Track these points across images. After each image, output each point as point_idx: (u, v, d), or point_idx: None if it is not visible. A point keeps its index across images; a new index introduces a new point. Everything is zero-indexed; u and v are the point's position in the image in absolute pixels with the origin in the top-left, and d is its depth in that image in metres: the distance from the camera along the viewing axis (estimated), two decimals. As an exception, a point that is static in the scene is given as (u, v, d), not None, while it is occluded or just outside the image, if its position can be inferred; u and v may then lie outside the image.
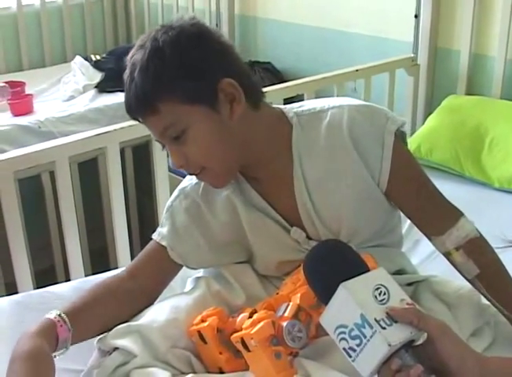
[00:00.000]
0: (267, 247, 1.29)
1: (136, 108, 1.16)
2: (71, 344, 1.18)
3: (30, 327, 1.15)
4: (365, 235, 1.27)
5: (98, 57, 3.46)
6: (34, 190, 2.75)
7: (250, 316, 1.13)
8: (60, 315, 1.17)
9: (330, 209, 1.23)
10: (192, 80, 1.13)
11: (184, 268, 1.36)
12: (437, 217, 1.23)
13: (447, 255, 1.22)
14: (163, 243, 1.32)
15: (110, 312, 1.24)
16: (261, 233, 1.28)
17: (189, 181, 1.33)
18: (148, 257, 1.34)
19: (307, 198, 1.23)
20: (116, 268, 1.96)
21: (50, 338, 1.14)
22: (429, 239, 1.25)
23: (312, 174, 1.23)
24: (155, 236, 1.34)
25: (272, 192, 1.27)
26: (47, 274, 2.67)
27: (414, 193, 1.25)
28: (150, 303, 1.28)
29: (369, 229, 1.27)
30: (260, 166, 1.24)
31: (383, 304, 0.92)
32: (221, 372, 1.16)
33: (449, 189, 1.32)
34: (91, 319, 1.22)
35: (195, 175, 1.22)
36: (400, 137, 1.24)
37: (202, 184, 1.30)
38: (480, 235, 1.22)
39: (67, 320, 1.17)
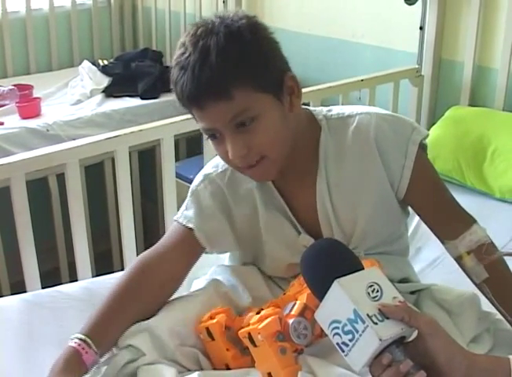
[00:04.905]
0: (278, 247, 1.31)
1: (206, 94, 1.09)
2: (101, 357, 1.17)
3: (56, 362, 1.11)
4: (374, 240, 1.30)
5: (106, 62, 3.46)
6: (39, 192, 2.76)
7: (258, 314, 1.15)
8: (83, 340, 1.14)
9: (347, 210, 1.26)
10: (267, 68, 1.13)
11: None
12: (452, 223, 1.27)
13: (458, 259, 1.26)
14: (190, 225, 1.31)
15: (135, 316, 1.22)
16: (274, 233, 1.30)
17: (214, 168, 1.33)
18: (175, 241, 1.31)
19: (327, 198, 1.25)
20: (122, 269, 1.99)
21: (78, 370, 1.12)
22: (442, 243, 1.28)
23: (335, 176, 1.25)
24: (180, 219, 1.32)
25: (293, 191, 1.29)
26: (51, 276, 2.68)
27: (431, 201, 1.29)
28: (177, 289, 1.29)
29: (379, 235, 1.30)
30: (287, 163, 1.23)
31: (376, 301, 0.94)
32: (228, 369, 1.18)
33: (451, 198, 1.34)
34: (116, 329, 1.20)
35: (250, 167, 1.18)
36: (424, 148, 1.27)
37: (228, 172, 1.30)
38: (491, 241, 1.25)
39: (91, 343, 1.14)
